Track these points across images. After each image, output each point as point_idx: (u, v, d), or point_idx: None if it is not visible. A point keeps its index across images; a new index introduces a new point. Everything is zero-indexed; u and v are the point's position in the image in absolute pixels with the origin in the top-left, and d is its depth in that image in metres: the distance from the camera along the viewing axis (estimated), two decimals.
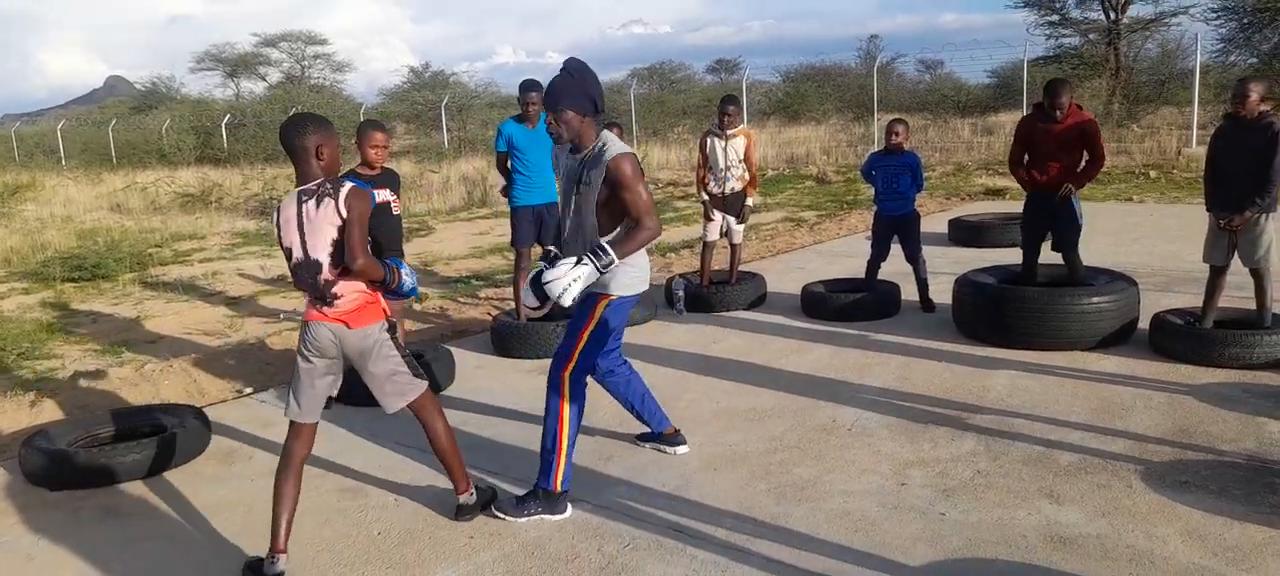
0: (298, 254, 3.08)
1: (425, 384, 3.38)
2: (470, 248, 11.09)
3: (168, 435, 4.18)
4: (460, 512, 3.50)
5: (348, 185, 3.08)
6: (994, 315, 5.50)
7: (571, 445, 3.48)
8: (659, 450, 4.07)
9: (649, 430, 4.08)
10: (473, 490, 3.52)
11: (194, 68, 44.37)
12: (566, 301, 3.22)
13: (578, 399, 3.49)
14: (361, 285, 3.13)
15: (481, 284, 8.70)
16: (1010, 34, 42.21)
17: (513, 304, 6.58)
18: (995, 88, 27.20)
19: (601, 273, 3.27)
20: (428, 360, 5.17)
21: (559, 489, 3.47)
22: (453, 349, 5.70)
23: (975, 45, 31.27)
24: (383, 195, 4.90)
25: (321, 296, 3.11)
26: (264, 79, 43.68)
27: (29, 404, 5.26)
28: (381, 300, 3.24)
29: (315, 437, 3.31)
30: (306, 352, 3.17)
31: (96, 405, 5.20)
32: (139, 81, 48.15)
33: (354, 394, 3.76)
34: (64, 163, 30.91)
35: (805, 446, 4.08)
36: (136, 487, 3.95)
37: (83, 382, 5.64)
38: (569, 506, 3.51)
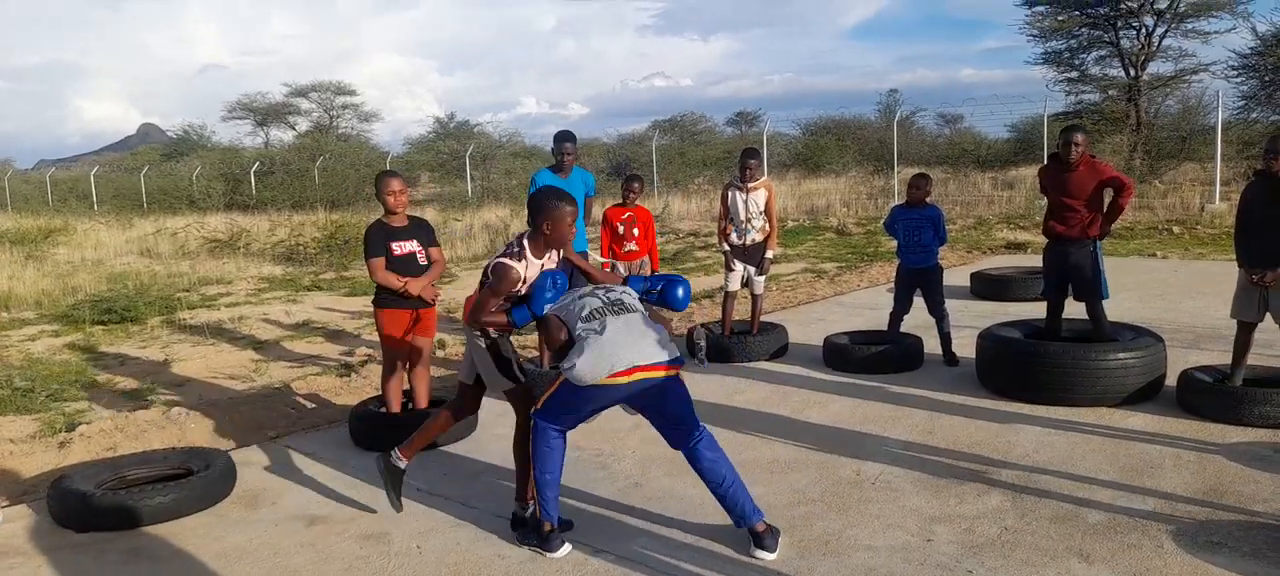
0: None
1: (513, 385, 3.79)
2: None
3: (193, 479, 4.22)
4: (515, 524, 3.80)
5: (555, 258, 3.73)
6: (1019, 370, 5.46)
7: (543, 480, 3.56)
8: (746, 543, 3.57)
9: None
10: (533, 501, 3.72)
11: (225, 116, 45.47)
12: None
13: (540, 436, 3.55)
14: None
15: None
16: (1029, 90, 42.43)
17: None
18: (1015, 142, 27.28)
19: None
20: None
21: (540, 518, 3.58)
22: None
23: (995, 100, 31.44)
24: (408, 247, 4.98)
25: None
26: (293, 127, 44.56)
27: (57, 445, 5.32)
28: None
29: (478, 400, 4.13)
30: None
31: (124, 447, 5.25)
32: (171, 129, 49.36)
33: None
34: (96, 207, 31.54)
35: (828, 499, 4.05)
36: (162, 530, 3.98)
37: (110, 425, 5.70)
38: (567, 546, 3.58)
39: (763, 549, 3.47)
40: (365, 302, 10.26)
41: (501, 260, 3.61)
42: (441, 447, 4.96)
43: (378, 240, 4.96)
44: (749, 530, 3.51)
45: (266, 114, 44.85)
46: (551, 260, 3.76)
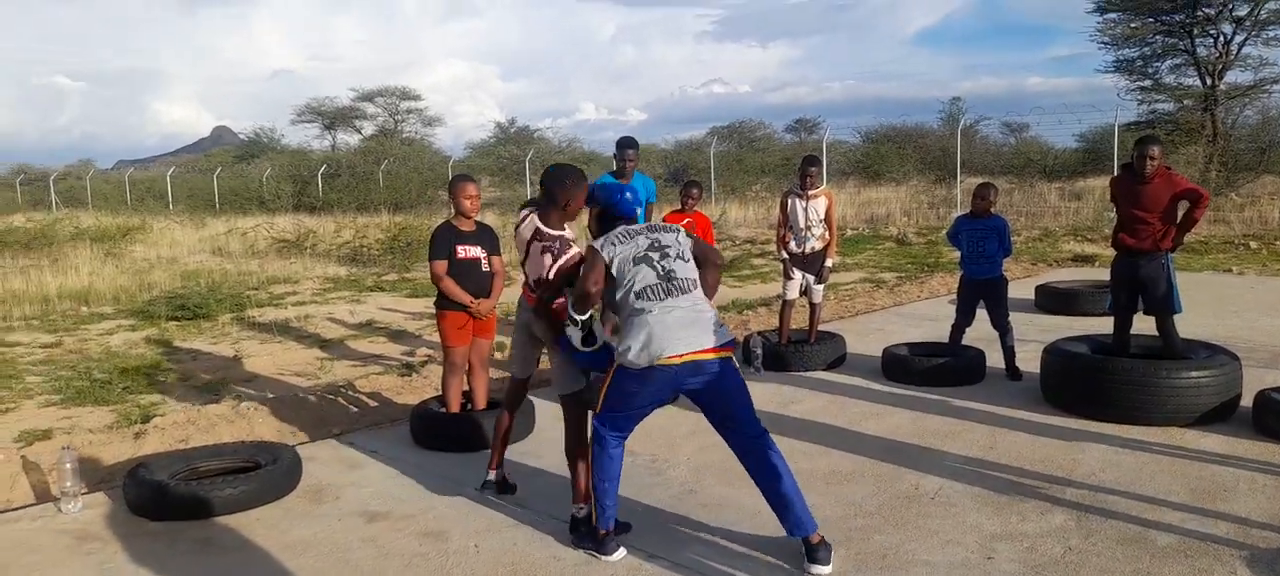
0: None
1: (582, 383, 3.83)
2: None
3: (261, 472, 4.35)
4: (573, 526, 3.81)
5: (580, 248, 3.76)
6: (1086, 386, 5.32)
7: (602, 484, 3.60)
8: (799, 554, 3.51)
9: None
10: (589, 502, 3.77)
11: (294, 120, 46.72)
12: (578, 346, 3.68)
13: (599, 443, 3.61)
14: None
15: None
16: (1099, 99, 41.51)
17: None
18: (1084, 152, 26.58)
19: (580, 327, 3.64)
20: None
21: (595, 525, 3.62)
22: (533, 399, 5.79)
23: (1063, 109, 30.74)
24: (473, 252, 5.07)
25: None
26: (359, 131, 45.56)
27: (133, 436, 5.53)
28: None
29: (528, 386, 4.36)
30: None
31: (195, 440, 5.44)
32: (243, 132, 50.78)
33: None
34: (171, 207, 32.67)
35: (886, 513, 4.00)
36: (231, 521, 4.11)
37: (183, 417, 5.91)
38: (622, 550, 3.60)
39: (815, 562, 3.42)
40: (426, 304, 10.45)
41: (565, 256, 3.74)
42: None
43: (444, 242, 5.05)
44: (803, 541, 3.46)
45: (334, 118, 45.96)
46: (571, 231, 3.86)
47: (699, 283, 3.58)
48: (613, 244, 3.57)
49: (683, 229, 3.75)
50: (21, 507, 4.46)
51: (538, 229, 3.85)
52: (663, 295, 3.46)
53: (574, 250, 3.78)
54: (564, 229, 3.86)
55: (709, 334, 3.43)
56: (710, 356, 3.42)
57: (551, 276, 3.77)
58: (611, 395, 3.55)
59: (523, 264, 3.96)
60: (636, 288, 3.47)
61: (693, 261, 3.62)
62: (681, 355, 3.37)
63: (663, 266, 3.52)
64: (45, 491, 4.69)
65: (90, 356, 8.15)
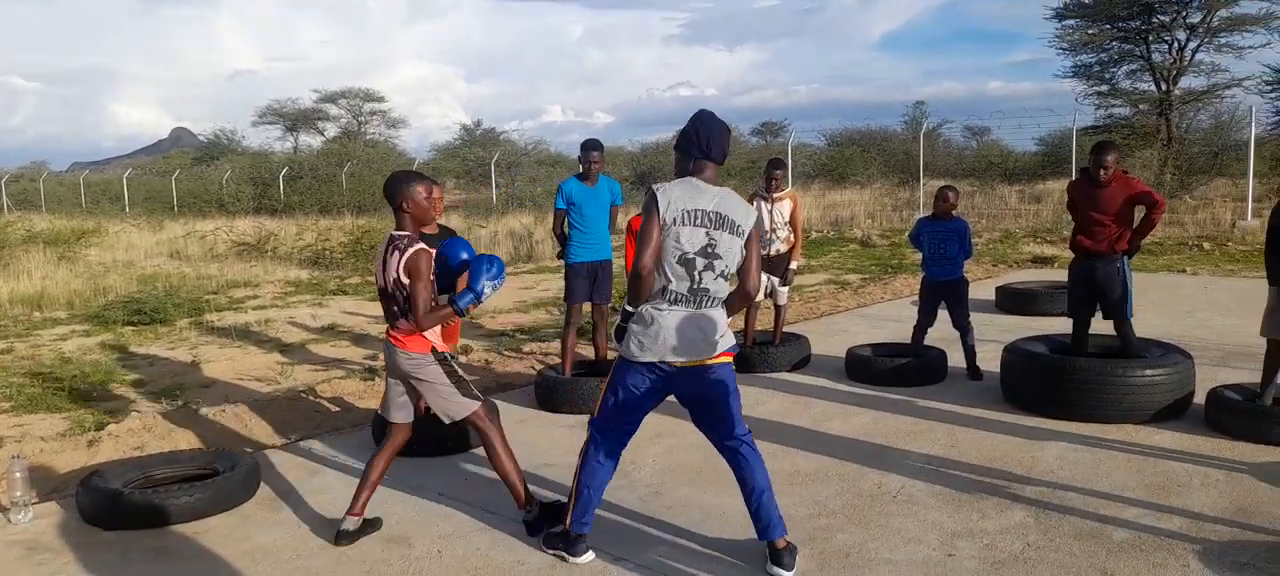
0: (379, 283, 3.84)
1: (477, 403, 3.85)
2: (516, 302, 11.22)
3: (218, 479, 4.27)
4: (530, 530, 3.82)
5: (415, 248, 3.65)
6: (1044, 385, 5.41)
7: (585, 490, 3.56)
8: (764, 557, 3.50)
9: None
10: (534, 504, 3.87)
11: (255, 121, 46.00)
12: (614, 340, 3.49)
13: (595, 446, 3.57)
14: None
15: (526, 338, 8.78)
16: (1058, 103, 42.16)
17: (558, 359, 6.63)
18: (1043, 155, 27.05)
19: (623, 321, 3.42)
20: None
21: (569, 529, 3.58)
22: (497, 402, 5.75)
23: (1023, 113, 31.30)
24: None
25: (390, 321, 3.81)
26: (322, 133, 45.04)
27: (87, 444, 5.41)
28: (431, 335, 3.77)
29: (407, 433, 4.01)
30: (385, 366, 3.93)
31: (151, 447, 5.32)
32: (202, 133, 49.92)
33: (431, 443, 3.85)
34: (128, 210, 32.02)
35: (850, 512, 4.03)
36: (187, 530, 4.03)
37: (138, 424, 5.78)
38: (590, 553, 3.58)
39: (779, 566, 3.40)
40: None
41: (407, 254, 3.64)
42: (466, 451, 4.99)
43: None
44: (769, 544, 3.45)
45: (296, 119, 45.40)
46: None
47: (724, 301, 3.46)
48: (675, 220, 3.28)
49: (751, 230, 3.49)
50: None
51: (391, 237, 3.77)
52: (677, 303, 3.35)
53: (419, 246, 3.68)
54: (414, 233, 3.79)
55: (714, 342, 3.38)
56: (712, 363, 3.41)
57: (400, 272, 3.66)
58: (612, 393, 3.50)
59: (381, 291, 3.81)
60: (667, 285, 3.33)
61: (736, 273, 3.47)
62: (685, 361, 3.36)
63: (701, 278, 3.34)
64: None
65: (43, 363, 7.95)
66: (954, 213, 6.53)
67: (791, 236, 6.84)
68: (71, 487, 4.49)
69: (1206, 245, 14.34)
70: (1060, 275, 10.46)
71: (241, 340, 8.96)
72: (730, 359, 3.49)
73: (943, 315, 6.56)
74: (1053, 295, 8.79)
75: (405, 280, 3.66)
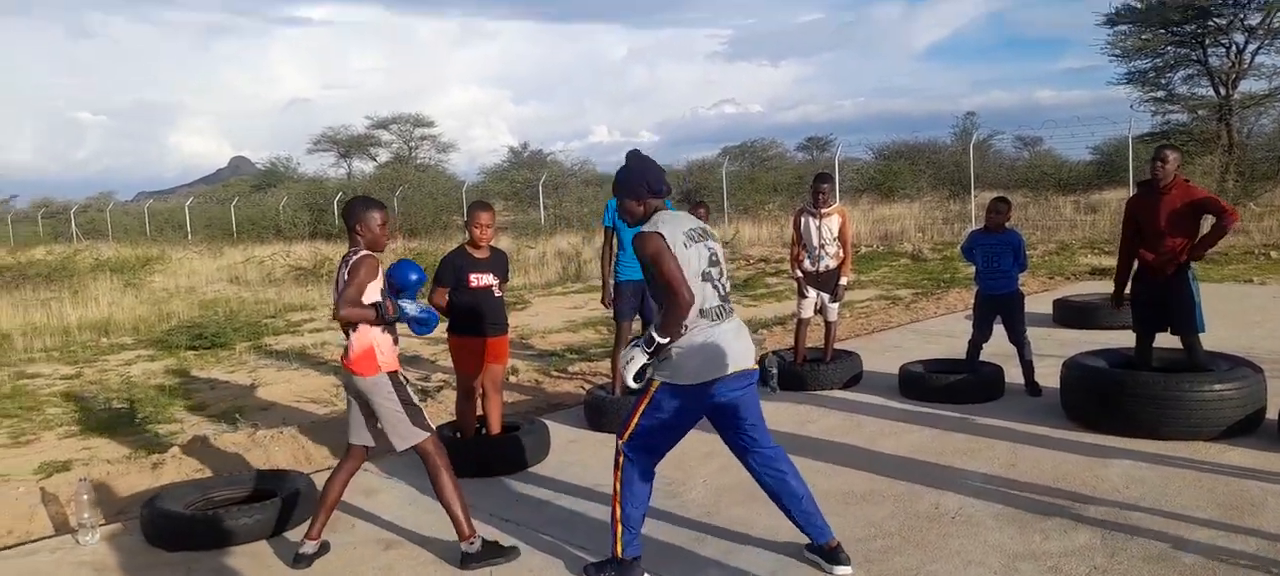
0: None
1: (426, 433, 3.83)
2: (565, 321, 11.28)
3: (276, 500, 4.34)
4: (464, 560, 3.77)
5: (359, 254, 3.73)
6: (1108, 401, 5.25)
7: (629, 513, 3.53)
8: (816, 564, 3.62)
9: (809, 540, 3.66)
10: (476, 538, 3.81)
11: (310, 149, 47.01)
12: (628, 381, 3.38)
13: (631, 469, 3.53)
14: (364, 338, 3.73)
15: (575, 358, 8.81)
16: (1111, 110, 41.09)
17: (608, 378, 6.64)
18: (1098, 164, 26.45)
19: (650, 354, 3.36)
20: (524, 432, 5.27)
21: (621, 555, 3.53)
22: (547, 421, 5.77)
23: (1076, 122, 30.47)
24: (485, 280, 5.06)
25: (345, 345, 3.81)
26: (374, 159, 45.91)
27: (151, 466, 5.55)
28: (379, 354, 3.76)
29: (362, 456, 4.05)
30: (344, 390, 4.00)
31: (212, 469, 5.44)
32: (260, 161, 51.23)
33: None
34: (190, 237, 32.98)
35: (907, 533, 3.95)
36: (246, 550, 4.10)
37: (200, 447, 5.92)
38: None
39: (838, 564, 3.51)
40: (440, 330, 10.47)
41: (352, 260, 3.73)
42: (513, 474, 5.01)
43: (449, 269, 5.05)
44: (822, 547, 3.54)
45: (349, 146, 46.33)
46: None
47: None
48: (682, 245, 3.37)
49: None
50: (39, 539, 4.47)
51: (342, 257, 3.84)
52: (719, 317, 3.43)
53: (365, 253, 3.75)
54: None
55: (752, 348, 3.52)
56: (751, 368, 3.50)
57: (344, 277, 3.72)
58: (651, 417, 3.49)
59: (335, 315, 3.78)
60: (704, 305, 3.39)
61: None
62: (732, 370, 3.41)
63: (723, 285, 3.50)
64: (63, 523, 4.70)
65: (109, 387, 8.19)
66: (1007, 225, 6.41)
67: (841, 251, 6.77)
68: (136, 509, 4.61)
69: (1274, 253, 13.85)
70: None
71: (298, 363, 9.13)
72: (756, 366, 3.59)
73: (998, 330, 6.42)
74: (1112, 307, 8.53)
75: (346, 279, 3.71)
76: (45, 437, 6.56)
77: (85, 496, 4.31)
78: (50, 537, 4.49)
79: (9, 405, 7.58)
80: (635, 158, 3.63)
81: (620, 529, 3.53)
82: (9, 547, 4.38)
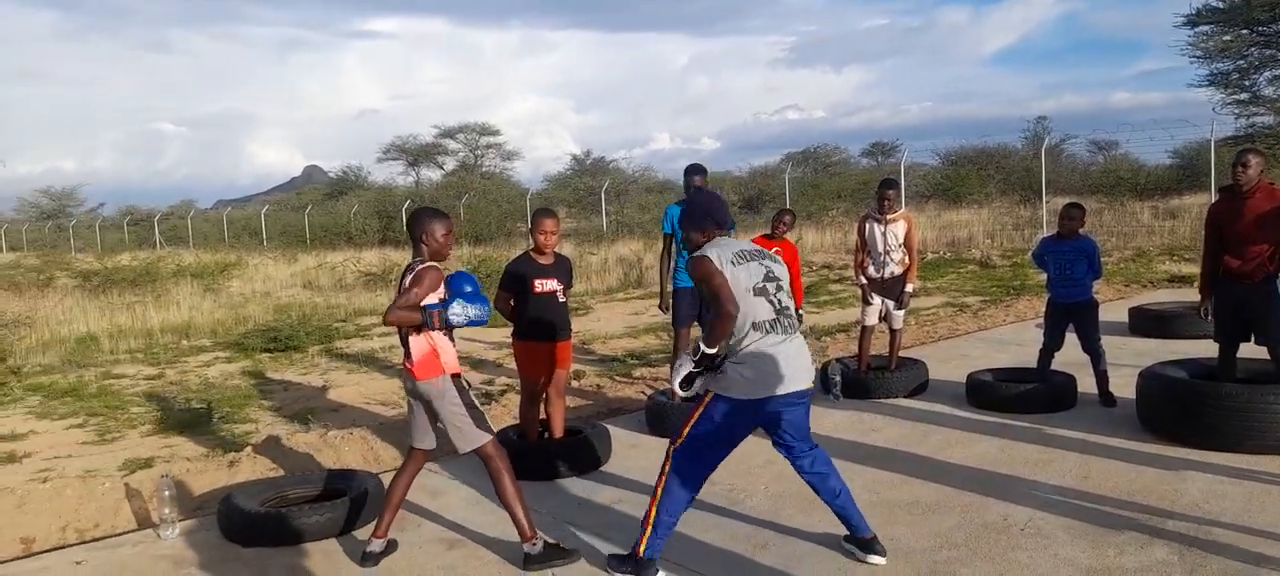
0: None
1: (488, 436, 3.90)
2: (626, 327, 11.32)
3: (346, 499, 4.46)
4: (527, 561, 3.83)
5: (423, 264, 3.81)
6: (1187, 412, 5.06)
7: (662, 518, 3.62)
8: (852, 553, 3.78)
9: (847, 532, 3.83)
10: (538, 539, 3.86)
11: (380, 158, 48.13)
12: (676, 388, 3.57)
13: (676, 475, 3.61)
14: (424, 342, 3.80)
15: (636, 363, 8.84)
16: (1191, 113, 39.62)
17: (669, 383, 6.64)
18: (1178, 169, 25.46)
19: (697, 367, 3.52)
20: (586, 436, 5.31)
21: (642, 554, 3.62)
22: (609, 426, 5.81)
23: (1154, 125, 29.42)
24: (550, 285, 5.11)
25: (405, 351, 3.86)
26: (441, 167, 46.79)
27: (227, 464, 5.74)
28: (442, 357, 3.83)
29: (423, 459, 4.14)
30: (406, 394, 4.04)
31: (285, 468, 5.61)
32: (332, 170, 52.60)
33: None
34: (265, 243, 34.04)
35: (974, 545, 3.87)
36: (317, 547, 4.22)
37: (273, 446, 6.11)
38: (661, 574, 3.64)
39: (875, 553, 3.68)
40: (505, 334, 10.62)
41: (417, 270, 3.80)
42: (572, 476, 5.05)
43: (513, 276, 5.11)
44: (861, 539, 3.71)
45: (417, 154, 47.32)
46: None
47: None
48: (730, 264, 3.51)
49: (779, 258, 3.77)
50: (123, 533, 4.66)
51: (407, 265, 3.91)
52: (779, 331, 3.54)
53: (429, 264, 3.82)
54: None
55: (810, 369, 3.64)
56: (805, 389, 3.61)
57: (409, 284, 3.79)
58: (705, 426, 3.57)
59: (385, 318, 3.85)
60: (755, 319, 3.51)
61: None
62: (790, 390, 3.51)
63: (778, 300, 3.58)
64: (146, 517, 4.90)
65: (189, 388, 8.51)
66: (1081, 231, 6.23)
67: (906, 258, 6.67)
68: (213, 506, 4.77)
69: None
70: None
71: (368, 366, 9.35)
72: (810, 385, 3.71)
73: (1070, 339, 6.24)
74: (1193, 316, 8.22)
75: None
76: (129, 435, 6.85)
77: (167, 492, 4.49)
78: (133, 531, 4.68)
79: (96, 404, 7.93)
80: (702, 194, 3.85)
81: (650, 530, 3.63)
82: (96, 540, 4.58)
